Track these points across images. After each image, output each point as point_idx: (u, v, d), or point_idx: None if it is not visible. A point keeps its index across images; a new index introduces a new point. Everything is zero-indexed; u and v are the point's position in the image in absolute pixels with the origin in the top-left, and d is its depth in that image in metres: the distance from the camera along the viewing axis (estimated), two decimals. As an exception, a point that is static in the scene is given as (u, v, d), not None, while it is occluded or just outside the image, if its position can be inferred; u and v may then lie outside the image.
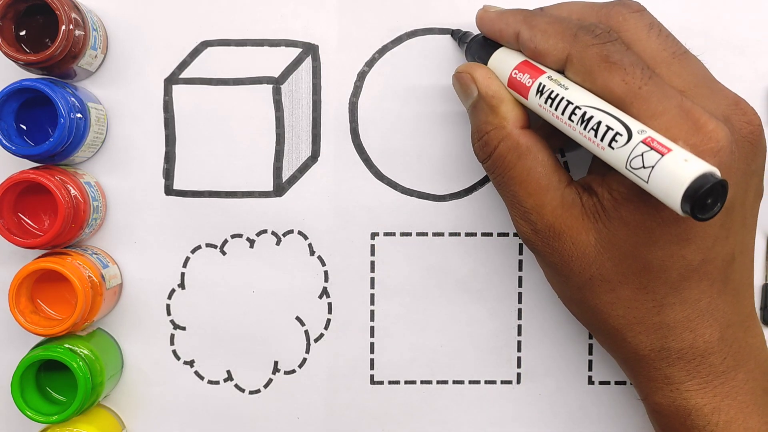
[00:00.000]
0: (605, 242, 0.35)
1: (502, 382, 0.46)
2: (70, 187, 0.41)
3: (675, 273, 0.35)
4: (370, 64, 0.45)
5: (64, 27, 0.39)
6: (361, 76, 0.45)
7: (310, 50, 0.45)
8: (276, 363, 0.45)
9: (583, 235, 0.36)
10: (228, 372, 0.45)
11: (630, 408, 0.45)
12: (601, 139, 0.33)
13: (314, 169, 0.45)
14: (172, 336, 0.45)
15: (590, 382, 0.46)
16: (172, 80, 0.45)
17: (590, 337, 0.45)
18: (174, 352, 0.45)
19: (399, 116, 0.45)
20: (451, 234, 0.45)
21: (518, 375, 0.46)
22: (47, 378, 0.43)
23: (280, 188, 0.45)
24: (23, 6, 0.41)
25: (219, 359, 0.45)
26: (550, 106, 0.35)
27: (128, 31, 0.44)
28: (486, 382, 0.46)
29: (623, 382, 0.46)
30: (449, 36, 0.45)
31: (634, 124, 0.32)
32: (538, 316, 0.45)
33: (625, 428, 0.46)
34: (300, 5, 0.45)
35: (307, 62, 0.45)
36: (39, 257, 0.42)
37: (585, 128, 0.34)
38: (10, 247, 0.43)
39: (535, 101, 0.36)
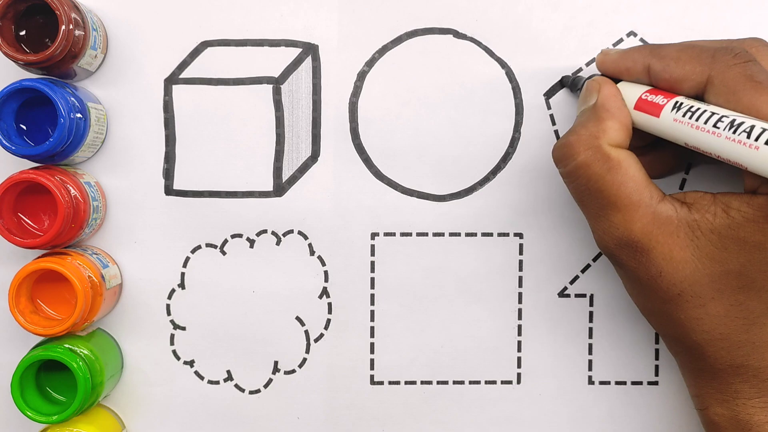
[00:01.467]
0: (705, 259, 0.35)
1: (502, 382, 0.46)
2: (70, 187, 0.41)
3: None
4: (370, 64, 0.45)
5: (64, 27, 0.39)
6: (361, 76, 0.45)
7: (310, 50, 0.45)
8: (276, 363, 0.45)
9: (678, 252, 0.36)
10: (228, 372, 0.45)
11: (630, 408, 0.45)
12: (756, 139, 0.33)
13: (314, 169, 0.45)
14: (172, 336, 0.45)
15: (590, 382, 0.46)
16: (172, 80, 0.45)
17: (590, 337, 0.45)
18: (174, 352, 0.45)
19: (399, 116, 0.45)
20: (451, 234, 0.45)
21: (518, 375, 0.46)
22: (47, 378, 0.43)
23: (280, 188, 0.45)
24: (23, 6, 0.41)
25: (219, 359, 0.45)
26: (690, 118, 0.35)
27: (128, 31, 0.44)
28: (486, 382, 0.46)
29: (623, 382, 0.46)
30: (450, 35, 0.45)
31: None
32: (538, 316, 0.45)
33: (625, 428, 0.46)
34: (300, 5, 0.45)
35: (307, 62, 0.45)
36: (39, 257, 0.42)
37: (735, 132, 0.33)
38: (10, 247, 0.43)
39: (669, 117, 0.37)
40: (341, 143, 0.45)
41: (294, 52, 0.45)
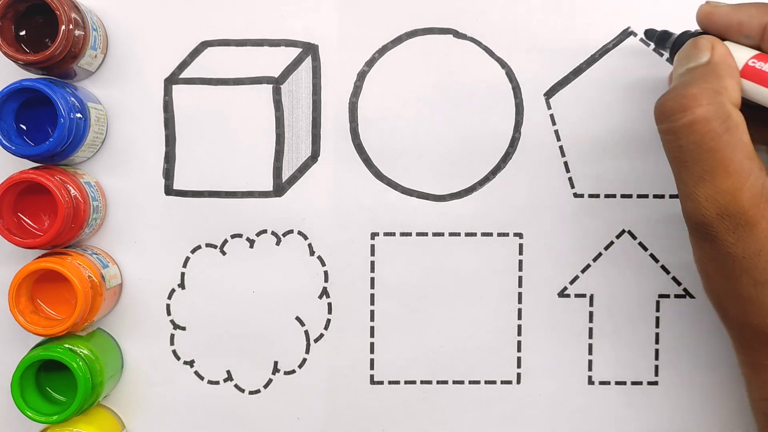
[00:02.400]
0: None
1: (502, 382, 0.46)
2: (70, 187, 0.41)
3: None
4: (370, 64, 0.45)
5: (63, 27, 0.39)
6: (361, 76, 0.45)
7: (310, 50, 0.45)
8: (276, 363, 0.45)
9: None
10: (228, 372, 0.45)
11: (630, 408, 0.45)
12: None
13: (314, 169, 0.45)
14: (172, 336, 0.45)
15: (590, 382, 0.46)
16: (172, 80, 0.45)
17: (590, 337, 0.45)
18: (174, 352, 0.45)
19: (399, 116, 0.45)
20: (451, 234, 0.45)
21: (518, 375, 0.46)
22: (47, 378, 0.43)
23: (280, 188, 0.45)
24: (23, 6, 0.41)
25: (219, 359, 0.45)
26: None
27: (128, 31, 0.44)
28: (486, 382, 0.46)
29: (623, 382, 0.46)
30: (450, 35, 0.45)
31: None
32: (538, 316, 0.45)
33: (625, 428, 0.46)
34: (300, 5, 0.45)
35: (307, 62, 0.45)
36: (39, 257, 0.42)
37: None
38: (10, 247, 0.43)
39: None
40: (341, 143, 0.45)
41: (294, 52, 0.45)
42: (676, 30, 0.40)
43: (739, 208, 0.34)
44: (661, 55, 0.44)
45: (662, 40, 0.41)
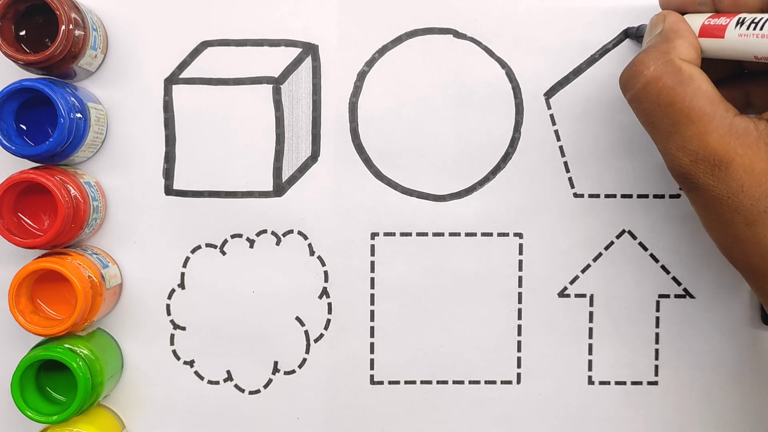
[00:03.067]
0: None
1: (502, 382, 0.46)
2: (70, 187, 0.41)
3: None
4: (370, 64, 0.45)
5: (63, 27, 0.39)
6: (361, 76, 0.45)
7: (310, 50, 0.45)
8: (276, 363, 0.45)
9: (759, 163, 0.34)
10: (228, 372, 0.45)
11: (630, 408, 0.45)
12: None
13: (314, 169, 0.45)
14: (172, 336, 0.45)
15: (590, 382, 0.46)
16: (172, 80, 0.45)
17: (590, 337, 0.45)
18: (174, 352, 0.45)
19: (399, 116, 0.45)
20: (451, 234, 0.45)
21: (518, 375, 0.46)
22: (47, 378, 0.43)
23: (280, 188, 0.45)
24: (23, 6, 0.41)
25: (219, 359, 0.45)
26: (755, 29, 0.35)
27: (128, 31, 0.44)
28: (486, 382, 0.46)
29: (623, 382, 0.46)
30: (450, 35, 0.45)
31: None
32: (538, 316, 0.45)
33: (625, 428, 0.46)
34: (300, 5, 0.45)
35: (307, 62, 0.45)
36: (39, 257, 0.42)
37: None
38: (10, 247, 0.43)
39: (734, 33, 0.36)
40: (341, 143, 0.45)
41: (294, 52, 0.45)
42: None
43: (709, 150, 0.35)
44: None
45: (639, 32, 0.43)
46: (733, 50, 0.37)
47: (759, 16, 0.36)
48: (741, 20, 0.36)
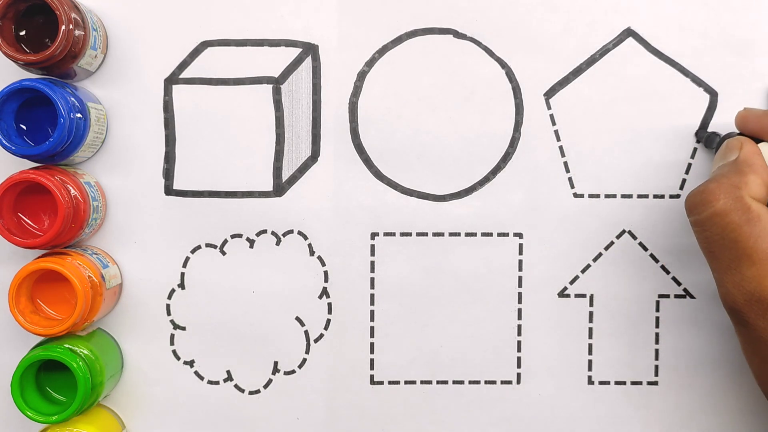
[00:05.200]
0: None
1: (502, 382, 0.46)
2: (70, 187, 0.41)
3: None
4: (370, 64, 0.45)
5: (64, 27, 0.39)
6: (361, 76, 0.45)
7: (310, 50, 0.45)
8: (276, 363, 0.45)
9: None
10: (228, 372, 0.45)
11: (630, 408, 0.45)
12: None
13: (314, 169, 0.45)
14: (172, 336, 0.45)
15: (590, 382, 0.46)
16: (172, 80, 0.45)
17: (590, 337, 0.45)
18: (174, 352, 0.45)
19: (399, 116, 0.45)
20: (451, 234, 0.45)
21: (518, 375, 0.46)
22: (47, 378, 0.43)
23: (280, 188, 0.45)
24: (23, 6, 0.41)
25: (219, 359, 0.45)
26: None
27: (128, 31, 0.44)
28: (486, 382, 0.46)
29: (623, 382, 0.46)
30: (450, 35, 0.45)
31: None
32: (538, 316, 0.45)
33: (625, 428, 0.46)
34: (300, 5, 0.45)
35: (307, 62, 0.45)
36: (39, 257, 0.42)
37: None
38: (10, 247, 0.43)
39: None
40: (341, 143, 0.45)
41: (294, 52, 0.45)
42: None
43: (766, 294, 0.35)
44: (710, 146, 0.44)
45: (710, 141, 0.43)
46: None
47: None
48: None
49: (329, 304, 0.45)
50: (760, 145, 0.39)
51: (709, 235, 0.37)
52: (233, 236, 0.45)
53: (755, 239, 0.35)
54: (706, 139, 0.43)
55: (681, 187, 0.45)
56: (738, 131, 0.41)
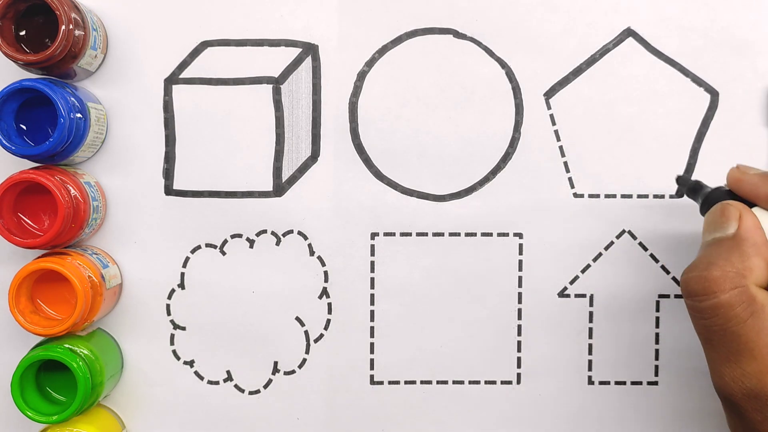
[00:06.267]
0: None
1: (502, 382, 0.46)
2: (70, 187, 0.41)
3: None
4: (370, 64, 0.45)
5: (64, 27, 0.39)
6: (361, 76, 0.45)
7: (310, 50, 0.45)
8: (276, 363, 0.45)
9: None
10: (228, 372, 0.45)
11: (630, 408, 0.45)
12: None
13: (314, 169, 0.45)
14: (172, 336, 0.45)
15: (590, 382, 0.46)
16: (172, 80, 0.45)
17: (590, 337, 0.45)
18: (174, 352, 0.45)
19: (399, 116, 0.45)
20: (451, 234, 0.45)
21: (518, 375, 0.46)
22: (47, 378, 0.43)
23: (280, 188, 0.45)
24: (23, 6, 0.41)
25: (219, 359, 0.45)
26: None
27: (128, 31, 0.44)
28: (486, 382, 0.46)
29: (623, 382, 0.46)
30: (450, 35, 0.45)
31: None
32: (538, 316, 0.45)
33: (625, 428, 0.46)
34: (300, 5, 0.45)
35: (307, 62, 0.45)
36: (39, 257, 0.42)
37: None
38: (10, 247, 0.43)
39: None
40: (341, 143, 0.45)
41: (294, 52, 0.45)
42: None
43: (766, 391, 0.33)
44: (691, 199, 0.41)
45: (694, 192, 0.40)
46: None
47: None
48: None
49: (329, 304, 0.45)
50: (758, 213, 0.36)
51: (708, 324, 0.34)
52: (233, 236, 0.45)
53: (757, 333, 0.33)
54: (690, 189, 0.40)
55: (679, 191, 0.45)
56: (727, 188, 0.38)
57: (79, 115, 0.41)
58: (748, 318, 0.33)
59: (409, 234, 0.45)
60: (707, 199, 0.38)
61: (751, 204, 0.36)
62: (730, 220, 0.36)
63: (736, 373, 0.34)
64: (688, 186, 0.40)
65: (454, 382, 0.46)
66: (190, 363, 0.45)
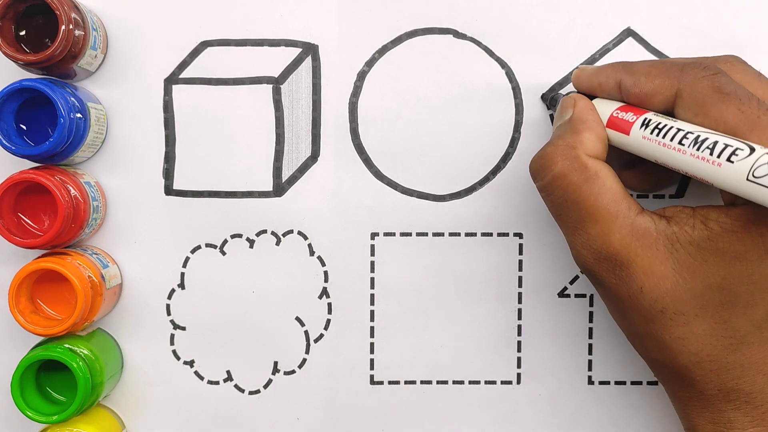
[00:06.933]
0: (686, 273, 0.34)
1: (502, 382, 0.46)
2: (70, 187, 0.41)
3: (762, 310, 0.34)
4: (370, 64, 0.45)
5: (63, 27, 0.39)
6: (361, 76, 0.45)
7: (310, 50, 0.45)
8: (276, 363, 0.45)
9: (657, 265, 0.35)
10: (228, 372, 0.45)
11: (630, 408, 0.45)
12: (718, 156, 0.32)
13: (314, 169, 0.45)
14: (172, 336, 0.45)
15: (590, 382, 0.46)
16: (172, 80, 0.45)
17: (590, 337, 0.45)
18: (174, 352, 0.45)
19: (399, 116, 0.45)
20: (451, 234, 0.45)
21: (518, 375, 0.46)
22: (47, 378, 0.43)
23: (279, 188, 0.45)
24: (23, 6, 0.41)
25: (219, 359, 0.45)
26: (657, 135, 0.35)
27: (128, 31, 0.44)
28: (486, 382, 0.46)
29: (623, 382, 0.46)
30: (450, 35, 0.45)
31: (756, 144, 0.32)
32: (538, 316, 0.45)
33: (625, 428, 0.46)
34: (300, 5, 0.45)
35: (307, 62, 0.45)
36: (39, 257, 0.42)
37: (698, 149, 0.33)
38: (10, 247, 0.43)
39: (638, 134, 0.36)
40: (341, 143, 0.45)
41: (294, 52, 0.45)
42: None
43: (611, 250, 0.35)
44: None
45: (553, 102, 0.43)
46: (637, 150, 0.37)
47: (663, 121, 0.35)
48: (646, 121, 0.36)
49: (329, 304, 0.45)
50: (595, 101, 0.39)
51: (553, 199, 0.37)
52: (233, 236, 0.45)
53: (595, 197, 0.36)
54: (550, 101, 0.44)
55: (681, 188, 0.45)
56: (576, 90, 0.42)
57: (79, 115, 0.41)
58: (583, 184, 0.36)
59: (409, 234, 0.45)
60: (556, 101, 0.42)
61: (592, 97, 0.40)
62: (567, 108, 0.39)
63: (583, 239, 0.36)
64: (548, 100, 0.44)
65: (454, 382, 0.46)
66: (190, 363, 0.45)
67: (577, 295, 0.45)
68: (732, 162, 0.32)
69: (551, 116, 0.45)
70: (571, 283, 0.45)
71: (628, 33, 0.45)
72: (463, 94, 0.45)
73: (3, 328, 0.45)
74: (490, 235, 0.45)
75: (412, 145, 0.45)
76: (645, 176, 0.42)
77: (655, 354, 0.37)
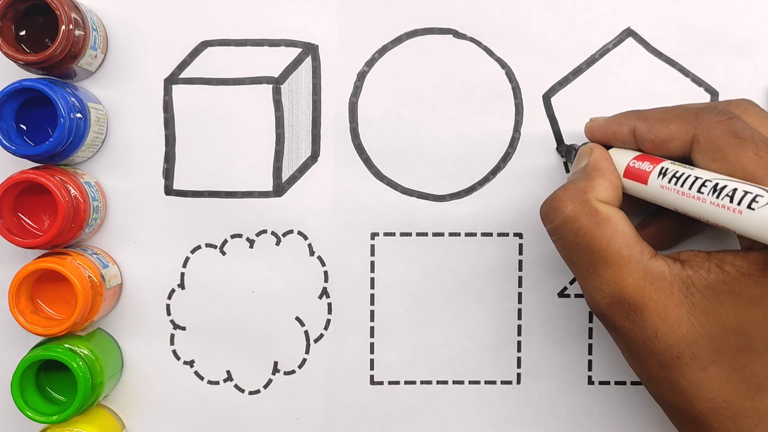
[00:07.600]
0: (702, 316, 0.34)
1: (502, 382, 0.46)
2: (70, 187, 0.41)
3: None
4: (370, 64, 0.45)
5: (64, 27, 0.39)
6: (361, 76, 0.45)
7: (310, 50, 0.45)
8: (276, 363, 0.45)
9: (672, 309, 0.34)
10: (228, 372, 0.45)
11: (630, 408, 0.45)
12: (738, 203, 0.32)
13: (314, 169, 0.45)
14: (172, 336, 0.45)
15: (590, 382, 0.46)
16: (172, 80, 0.45)
17: (590, 337, 0.45)
18: (174, 352, 0.45)
19: (399, 116, 0.45)
20: (451, 234, 0.45)
21: (518, 375, 0.46)
22: (47, 378, 0.43)
23: (279, 188, 0.45)
24: (23, 6, 0.41)
25: (219, 359, 0.45)
26: (675, 183, 0.35)
27: (128, 31, 0.44)
28: (486, 382, 0.46)
29: (623, 382, 0.46)
30: (450, 35, 0.45)
31: None
32: (538, 316, 0.45)
33: (625, 428, 0.46)
34: (300, 5, 0.45)
35: (307, 62, 0.45)
36: (39, 257, 0.42)
37: (718, 197, 0.33)
38: (10, 247, 0.43)
39: (656, 183, 0.36)
40: (341, 143, 0.45)
41: (294, 52, 0.45)
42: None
43: (625, 293, 0.35)
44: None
45: (569, 154, 0.43)
46: (656, 199, 0.37)
47: (680, 169, 0.35)
48: (663, 170, 0.36)
49: (329, 304, 0.45)
50: (611, 151, 0.40)
51: (564, 243, 0.37)
52: (233, 236, 0.45)
53: (608, 241, 0.35)
54: (565, 152, 0.44)
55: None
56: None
57: (79, 115, 0.41)
58: (595, 228, 0.36)
59: (409, 234, 0.45)
60: (572, 152, 0.43)
61: (608, 147, 0.40)
62: (583, 156, 0.40)
63: (596, 283, 0.36)
64: (564, 151, 0.44)
65: (454, 382, 0.46)
66: (190, 363, 0.45)
67: (577, 295, 0.45)
68: (753, 209, 0.32)
69: (551, 116, 0.45)
70: (571, 283, 0.45)
71: (628, 33, 0.45)
72: (463, 94, 0.45)
73: (3, 328, 0.45)
74: (490, 235, 0.45)
75: (412, 145, 0.45)
76: (660, 234, 0.42)
77: (671, 399, 0.36)
